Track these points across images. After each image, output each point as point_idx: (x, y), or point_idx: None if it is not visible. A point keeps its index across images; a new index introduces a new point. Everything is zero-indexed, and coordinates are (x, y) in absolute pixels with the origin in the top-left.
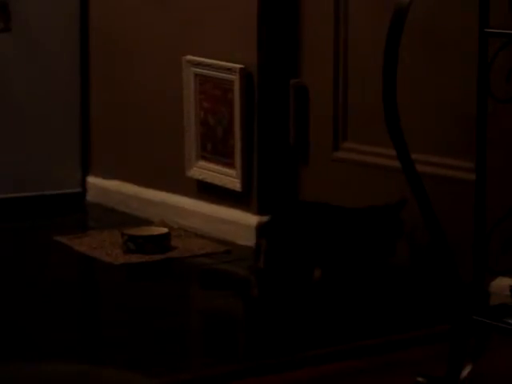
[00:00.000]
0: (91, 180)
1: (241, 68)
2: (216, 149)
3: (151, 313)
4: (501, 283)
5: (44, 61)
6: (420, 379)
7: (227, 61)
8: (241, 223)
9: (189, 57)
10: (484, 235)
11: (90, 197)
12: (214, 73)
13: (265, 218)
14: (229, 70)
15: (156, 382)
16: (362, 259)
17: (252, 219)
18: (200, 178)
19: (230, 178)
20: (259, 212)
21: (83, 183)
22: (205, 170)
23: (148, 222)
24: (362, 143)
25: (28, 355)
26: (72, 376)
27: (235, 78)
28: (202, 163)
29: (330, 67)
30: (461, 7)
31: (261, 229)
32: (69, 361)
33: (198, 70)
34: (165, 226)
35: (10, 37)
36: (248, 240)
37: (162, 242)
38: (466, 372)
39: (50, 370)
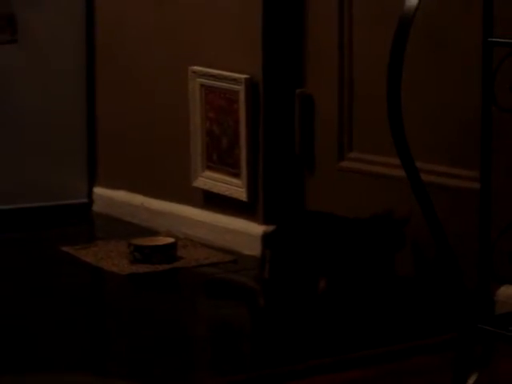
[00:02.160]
0: (97, 191)
1: (246, 78)
2: (222, 159)
3: (157, 322)
4: (507, 291)
5: (50, 72)
6: None
7: (232, 71)
8: (247, 233)
9: (194, 67)
10: (489, 243)
11: (97, 207)
12: (220, 83)
13: (270, 228)
14: (234, 80)
15: None
16: (367, 269)
17: (258, 229)
18: (206, 187)
19: (235, 187)
20: (265, 222)
21: (90, 194)
22: (211, 180)
23: (154, 232)
24: (368, 153)
25: (34, 366)
26: None
27: (240, 88)
28: (208, 173)
29: (335, 77)
30: (465, 16)
31: (266, 238)
32: (74, 371)
33: (204, 81)
34: (171, 236)
35: (16, 48)
36: (254, 250)
37: (168, 252)
38: (471, 381)
39: (55, 380)
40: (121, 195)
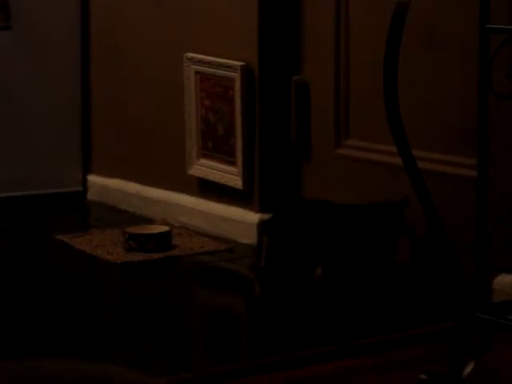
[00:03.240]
0: (92, 178)
1: (242, 65)
2: (217, 146)
3: (153, 311)
4: (504, 280)
5: (44, 59)
6: (423, 376)
7: (228, 58)
8: (242, 221)
9: (189, 54)
10: (486, 232)
11: (91, 195)
12: (215, 70)
13: (266, 216)
14: (230, 67)
15: (159, 381)
16: (364, 257)
17: (253, 217)
18: (201, 175)
19: (231, 175)
20: (261, 210)
21: (84, 182)
22: (206, 168)
23: (149, 221)
24: (364, 140)
25: (29, 353)
26: (74, 374)
27: (236, 75)
28: (203, 161)
29: (331, 64)
30: (461, 3)
31: (262, 227)
32: (70, 359)
33: (199, 68)
34: (166, 224)
35: (9, 35)
36: (249, 238)
37: (163, 241)
38: (468, 369)
39: (51, 367)
40: (115, 183)
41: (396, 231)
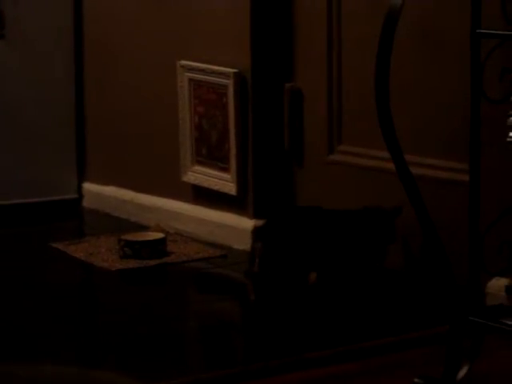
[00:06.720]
0: (87, 186)
1: (235, 72)
2: (211, 153)
3: (148, 317)
4: (497, 283)
5: (38, 67)
6: (417, 381)
7: (221, 65)
8: (236, 227)
9: (183, 62)
10: (479, 236)
11: (86, 203)
12: (208, 77)
13: (260, 222)
14: (223, 74)
15: None
16: (358, 262)
17: (247, 223)
18: (195, 182)
19: (225, 182)
20: (255, 216)
21: (79, 189)
22: (200, 175)
23: (144, 228)
24: (357, 146)
25: (25, 359)
26: (69, 379)
27: (229, 82)
28: (197, 168)
29: (324, 71)
30: (455, 8)
31: (256, 233)
32: (66, 365)
33: (192, 75)
34: (161, 230)
35: (4, 44)
36: (244, 244)
37: (158, 247)
38: (462, 373)
39: (46, 372)
40: (110, 190)
41: (386, 239)
